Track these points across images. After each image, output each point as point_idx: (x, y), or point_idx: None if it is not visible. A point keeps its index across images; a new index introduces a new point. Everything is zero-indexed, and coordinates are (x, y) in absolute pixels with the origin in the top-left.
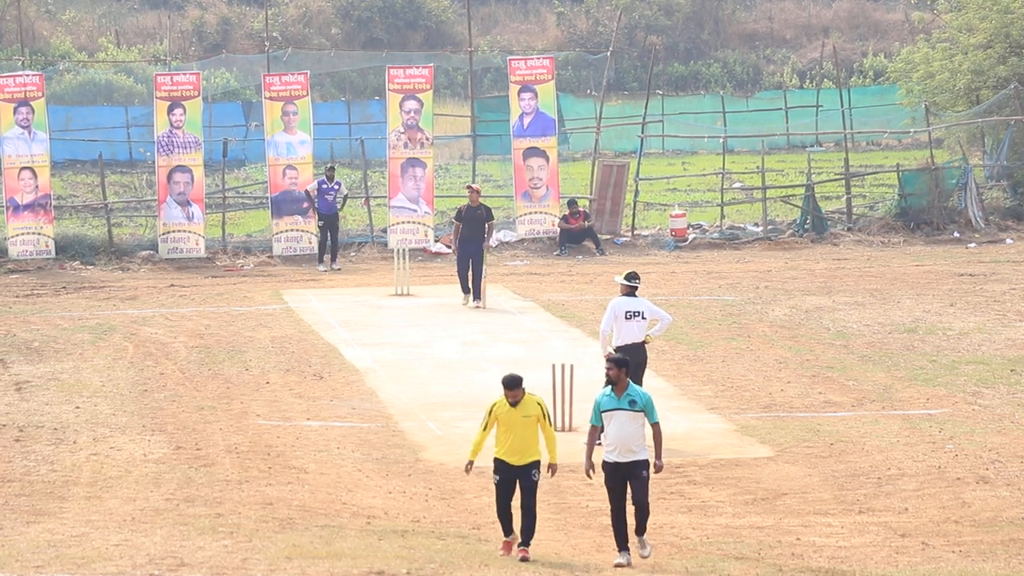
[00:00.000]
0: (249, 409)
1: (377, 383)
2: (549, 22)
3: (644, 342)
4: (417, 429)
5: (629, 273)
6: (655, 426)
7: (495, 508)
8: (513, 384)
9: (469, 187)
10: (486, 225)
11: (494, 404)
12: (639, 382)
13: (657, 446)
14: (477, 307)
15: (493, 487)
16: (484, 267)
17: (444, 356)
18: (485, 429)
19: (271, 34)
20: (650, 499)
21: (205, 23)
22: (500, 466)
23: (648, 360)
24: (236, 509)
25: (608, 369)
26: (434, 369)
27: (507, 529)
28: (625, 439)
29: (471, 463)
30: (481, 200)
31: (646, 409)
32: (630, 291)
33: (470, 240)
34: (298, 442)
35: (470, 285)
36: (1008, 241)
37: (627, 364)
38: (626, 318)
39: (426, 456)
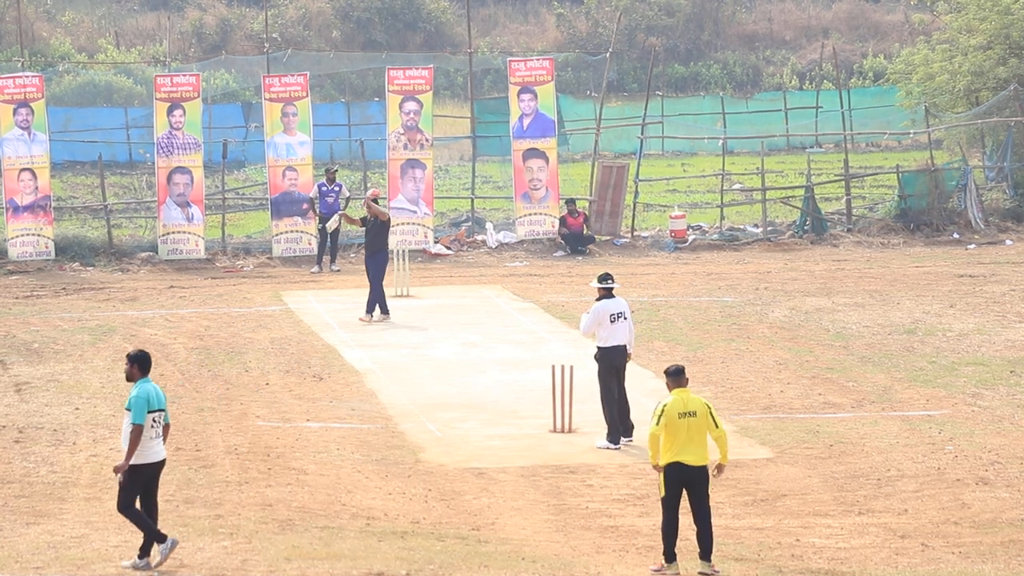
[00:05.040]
0: (249, 410)
1: (377, 384)
2: (549, 23)
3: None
4: (417, 430)
5: (603, 275)
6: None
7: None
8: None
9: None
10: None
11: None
12: (622, 383)
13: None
14: (363, 321)
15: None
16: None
17: (444, 357)
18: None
19: (271, 35)
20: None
21: (204, 24)
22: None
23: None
24: (236, 510)
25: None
26: (434, 370)
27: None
28: None
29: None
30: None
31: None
32: (607, 293)
33: (374, 250)
34: (298, 443)
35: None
36: (1008, 242)
37: (139, 361)
38: (611, 321)
39: (426, 457)
